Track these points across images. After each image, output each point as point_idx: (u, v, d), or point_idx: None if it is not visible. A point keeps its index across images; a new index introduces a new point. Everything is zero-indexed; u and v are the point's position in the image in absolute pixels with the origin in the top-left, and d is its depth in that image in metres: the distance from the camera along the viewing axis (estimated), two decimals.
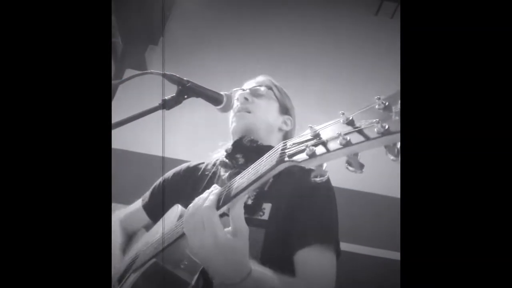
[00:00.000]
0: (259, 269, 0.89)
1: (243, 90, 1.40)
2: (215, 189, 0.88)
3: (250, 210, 1.17)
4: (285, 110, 1.43)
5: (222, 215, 0.85)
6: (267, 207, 1.17)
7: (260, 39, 4.09)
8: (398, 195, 0.70)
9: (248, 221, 1.12)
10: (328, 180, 1.22)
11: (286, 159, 0.72)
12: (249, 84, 1.44)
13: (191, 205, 0.88)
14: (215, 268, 0.84)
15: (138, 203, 1.43)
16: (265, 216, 1.15)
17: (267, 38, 4.11)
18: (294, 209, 1.15)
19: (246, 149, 1.26)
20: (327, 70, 4.03)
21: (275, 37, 4.14)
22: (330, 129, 0.67)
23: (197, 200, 0.88)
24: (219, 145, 1.45)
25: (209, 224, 0.81)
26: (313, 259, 1.08)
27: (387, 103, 0.61)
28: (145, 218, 1.38)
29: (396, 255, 3.18)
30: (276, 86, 1.45)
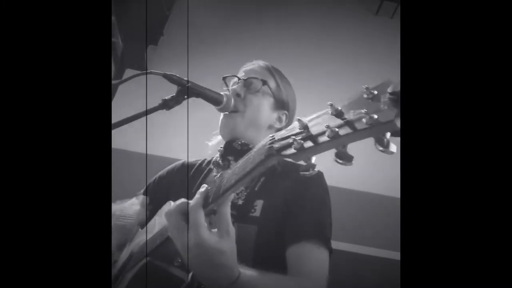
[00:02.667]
0: (248, 272, 0.86)
1: (238, 78, 1.34)
2: (202, 188, 0.86)
3: (242, 210, 1.16)
4: (281, 105, 1.35)
5: (209, 214, 0.84)
6: (258, 203, 1.16)
7: (260, 39, 4.09)
8: (398, 195, 0.70)
9: (240, 218, 1.12)
10: (322, 177, 1.21)
11: (274, 153, 0.71)
12: (245, 72, 1.36)
13: (175, 203, 0.86)
14: (201, 272, 0.81)
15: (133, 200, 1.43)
16: (257, 213, 1.14)
17: (267, 38, 4.11)
18: (287, 205, 1.14)
19: (237, 152, 1.25)
20: (327, 70, 4.03)
21: (276, 37, 4.14)
22: (318, 122, 0.66)
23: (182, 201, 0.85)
24: (213, 133, 1.44)
25: (193, 223, 0.79)
26: (305, 255, 1.07)
27: (375, 92, 0.60)
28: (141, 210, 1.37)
29: (396, 255, 3.18)
30: (274, 75, 1.35)
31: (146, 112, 1.07)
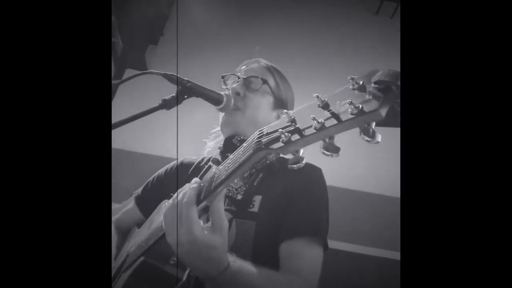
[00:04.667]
0: (237, 263, 0.88)
1: (238, 77, 1.34)
2: (194, 183, 0.87)
3: (240, 205, 1.16)
4: (280, 103, 1.35)
5: (205, 210, 0.85)
6: (257, 199, 1.16)
7: (260, 39, 4.09)
8: (398, 195, 0.70)
9: (238, 214, 1.12)
10: (320, 174, 1.22)
11: (262, 147, 0.72)
12: (245, 71, 1.36)
13: (171, 199, 0.88)
14: (191, 263, 0.85)
15: (131, 200, 1.43)
16: (255, 208, 1.14)
17: (267, 37, 4.11)
18: (285, 201, 1.14)
19: (236, 148, 1.25)
20: (327, 70, 4.03)
21: (276, 36, 4.14)
22: (305, 114, 0.67)
23: (176, 194, 0.87)
24: (213, 130, 1.44)
25: (186, 220, 0.81)
26: (298, 251, 1.07)
27: (361, 82, 0.60)
28: (137, 214, 1.38)
29: (396, 255, 3.18)
30: (274, 74, 1.36)
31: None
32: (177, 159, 1.46)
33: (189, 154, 1.50)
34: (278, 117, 1.35)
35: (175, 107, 1.12)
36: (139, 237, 1.13)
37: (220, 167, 0.85)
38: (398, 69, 0.67)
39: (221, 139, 1.37)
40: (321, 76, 3.96)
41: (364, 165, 3.38)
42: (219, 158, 1.29)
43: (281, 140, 0.68)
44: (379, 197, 3.57)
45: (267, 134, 0.73)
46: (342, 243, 3.17)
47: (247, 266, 0.91)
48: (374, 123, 0.59)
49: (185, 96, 1.13)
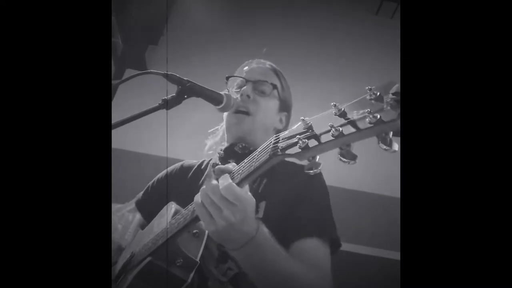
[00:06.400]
0: (265, 229, 0.92)
1: (246, 80, 1.32)
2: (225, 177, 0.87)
3: None
4: (284, 107, 1.37)
5: None
6: (261, 205, 1.17)
7: (260, 39, 4.09)
8: (398, 195, 0.70)
9: None
10: (321, 176, 1.23)
11: (279, 152, 0.73)
12: (247, 72, 1.35)
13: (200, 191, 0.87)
14: (231, 227, 0.84)
15: (132, 203, 1.43)
16: (260, 214, 1.15)
17: (267, 37, 4.10)
18: (288, 206, 1.15)
19: (238, 156, 1.25)
20: (327, 70, 4.03)
21: (276, 36, 4.14)
22: (322, 121, 0.68)
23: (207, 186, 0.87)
24: (213, 129, 1.44)
25: (228, 185, 0.82)
26: (307, 250, 1.08)
27: (378, 93, 0.62)
28: (138, 217, 1.38)
29: (396, 255, 3.18)
30: (280, 77, 1.37)
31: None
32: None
33: (188, 153, 1.50)
34: (280, 120, 1.36)
35: (176, 107, 1.12)
36: (144, 238, 1.13)
37: (234, 169, 0.86)
38: (398, 68, 0.67)
39: (219, 138, 1.37)
40: (320, 76, 3.96)
41: (364, 165, 3.37)
42: (219, 164, 1.28)
43: (298, 146, 0.69)
44: (379, 197, 3.57)
45: (284, 139, 0.73)
46: (342, 243, 3.16)
47: (272, 238, 0.94)
48: (391, 133, 0.61)
49: (185, 96, 1.13)
